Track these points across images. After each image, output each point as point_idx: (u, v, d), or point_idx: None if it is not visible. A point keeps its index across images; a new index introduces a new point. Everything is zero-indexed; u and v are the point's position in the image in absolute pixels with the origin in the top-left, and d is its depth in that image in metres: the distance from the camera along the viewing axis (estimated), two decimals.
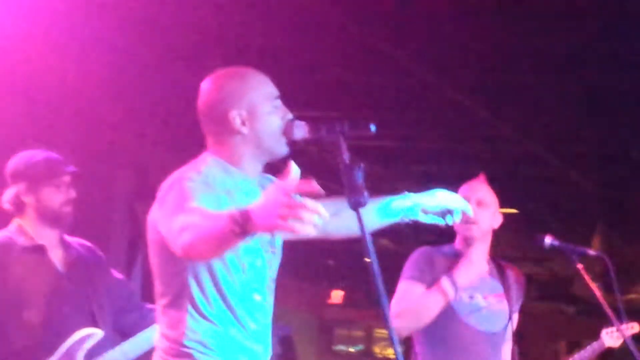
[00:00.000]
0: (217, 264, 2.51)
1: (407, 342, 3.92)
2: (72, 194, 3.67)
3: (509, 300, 3.86)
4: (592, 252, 4.02)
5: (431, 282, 3.71)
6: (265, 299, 2.63)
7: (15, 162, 3.67)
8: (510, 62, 5.56)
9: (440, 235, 3.77)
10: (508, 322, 3.85)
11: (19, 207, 3.64)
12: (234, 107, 2.58)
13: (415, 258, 3.81)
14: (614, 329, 4.16)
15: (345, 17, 4.96)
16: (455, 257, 3.79)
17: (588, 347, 5.02)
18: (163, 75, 5.45)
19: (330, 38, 5.20)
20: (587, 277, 3.85)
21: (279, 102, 2.63)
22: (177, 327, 2.53)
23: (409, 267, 3.78)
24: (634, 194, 7.75)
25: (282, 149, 2.62)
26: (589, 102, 6.08)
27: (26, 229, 3.64)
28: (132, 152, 6.40)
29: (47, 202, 3.62)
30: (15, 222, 3.69)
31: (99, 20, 4.90)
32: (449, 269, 3.72)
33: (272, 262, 2.66)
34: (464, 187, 3.82)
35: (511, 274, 3.94)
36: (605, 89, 5.85)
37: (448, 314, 3.71)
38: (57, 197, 3.64)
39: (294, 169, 2.11)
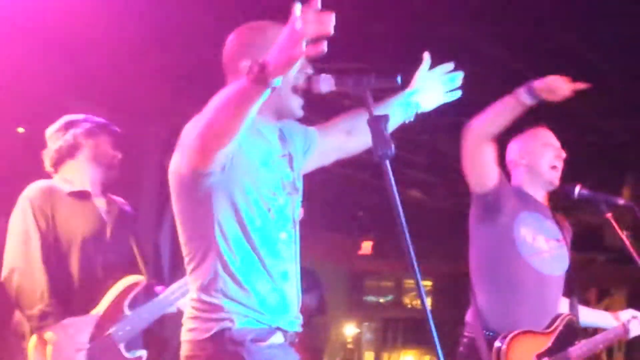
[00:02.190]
0: (241, 205, 2.50)
1: (466, 287, 3.89)
2: (119, 154, 3.80)
3: (567, 245, 3.92)
4: (621, 201, 4.02)
5: (496, 179, 3.71)
6: (291, 237, 2.62)
7: (72, 115, 3.81)
8: (536, 12, 5.53)
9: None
10: (568, 266, 3.88)
11: (72, 150, 3.74)
12: (245, 57, 2.58)
13: None
14: None
15: None
16: (516, 195, 3.82)
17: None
18: (199, 32, 5.45)
19: None
20: (616, 226, 3.87)
21: None
22: (207, 290, 2.50)
23: None
24: None
25: (295, 104, 2.61)
26: (618, 49, 6.03)
27: (69, 179, 3.74)
28: (164, 108, 6.44)
29: (103, 147, 3.76)
30: (56, 177, 3.78)
31: None
32: (514, 204, 3.76)
33: (294, 203, 2.66)
34: (548, 135, 3.93)
35: (564, 223, 3.99)
36: (634, 36, 5.80)
37: (512, 255, 3.73)
38: (110, 149, 3.77)
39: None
